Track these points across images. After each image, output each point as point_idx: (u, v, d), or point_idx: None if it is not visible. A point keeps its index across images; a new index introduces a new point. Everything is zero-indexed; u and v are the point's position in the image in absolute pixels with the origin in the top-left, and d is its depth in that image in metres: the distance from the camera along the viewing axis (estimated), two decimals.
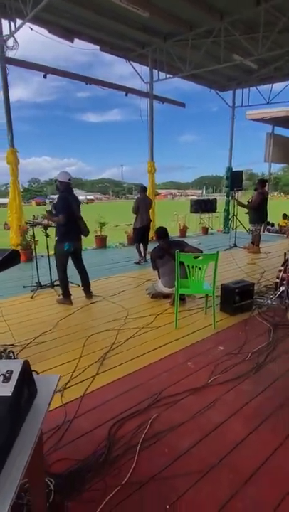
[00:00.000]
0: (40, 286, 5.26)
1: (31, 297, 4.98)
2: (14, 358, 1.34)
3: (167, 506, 1.67)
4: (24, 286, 5.41)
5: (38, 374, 1.34)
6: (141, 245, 7.33)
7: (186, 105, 11.34)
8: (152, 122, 9.89)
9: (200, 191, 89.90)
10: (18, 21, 6.65)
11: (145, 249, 7.33)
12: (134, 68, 9.58)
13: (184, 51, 8.45)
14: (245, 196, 10.94)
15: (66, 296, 4.68)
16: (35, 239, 5.96)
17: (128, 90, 9.51)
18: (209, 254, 3.80)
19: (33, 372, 1.25)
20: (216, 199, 13.14)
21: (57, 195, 4.64)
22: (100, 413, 2.38)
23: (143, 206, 7.16)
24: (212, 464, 1.92)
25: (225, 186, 12.46)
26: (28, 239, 7.16)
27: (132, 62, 9.48)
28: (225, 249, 8.31)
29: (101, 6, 6.86)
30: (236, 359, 3.10)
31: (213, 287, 3.80)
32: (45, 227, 5.19)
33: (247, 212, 8.20)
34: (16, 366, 1.11)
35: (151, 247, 6.95)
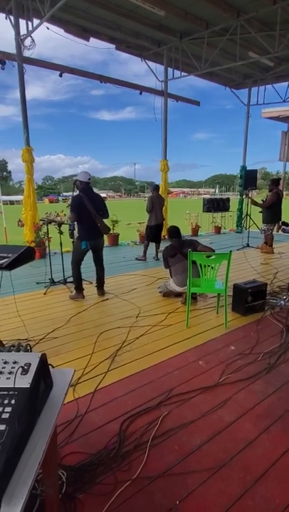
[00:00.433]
0: (53, 282, 5.34)
1: (44, 293, 5.06)
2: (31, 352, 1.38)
3: (177, 502, 1.69)
4: (37, 283, 5.50)
5: (53, 368, 1.37)
6: (152, 244, 7.35)
7: (200, 103, 11.28)
8: (166, 121, 9.89)
9: (213, 190, 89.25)
10: (35, 21, 6.75)
11: (158, 247, 7.35)
12: (149, 67, 9.58)
13: (200, 49, 8.41)
14: (260, 195, 10.82)
15: (79, 290, 4.75)
16: (49, 236, 6.05)
17: (143, 89, 9.52)
18: (222, 254, 3.78)
19: (49, 366, 1.28)
20: (229, 198, 13.05)
21: (71, 193, 4.72)
22: (111, 409, 2.41)
23: (157, 204, 7.18)
24: (223, 462, 1.93)
25: (238, 185, 12.35)
26: (42, 236, 7.27)
27: (147, 61, 9.49)
28: (238, 249, 8.25)
29: (117, 5, 6.90)
30: (248, 359, 3.09)
31: (226, 287, 3.78)
32: (59, 224, 5.26)
33: (261, 211, 8.12)
34: (33, 359, 1.14)
35: (163, 245, 6.98)
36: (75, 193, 4.58)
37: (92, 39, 8.15)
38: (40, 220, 6.16)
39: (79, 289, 4.77)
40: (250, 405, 2.43)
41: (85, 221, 4.47)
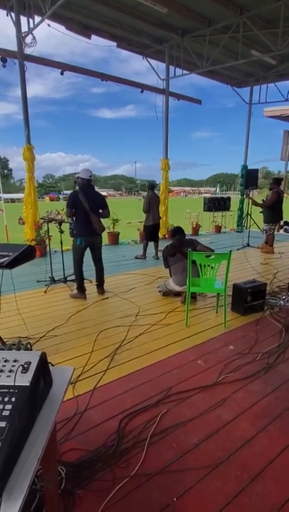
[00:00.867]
0: (53, 281, 5.36)
1: (45, 292, 5.08)
2: (31, 350, 1.40)
3: (175, 499, 1.71)
4: (38, 281, 5.53)
5: (53, 366, 1.39)
6: (151, 243, 7.35)
7: (201, 101, 11.26)
8: (167, 119, 9.88)
9: (213, 189, 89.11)
10: (37, 18, 6.73)
11: (157, 246, 7.36)
12: (150, 64, 9.57)
13: (202, 47, 8.38)
14: (260, 195, 10.82)
15: (81, 290, 4.77)
16: (50, 234, 6.07)
17: (144, 87, 9.50)
18: (222, 254, 3.80)
19: (49, 364, 1.30)
20: (229, 197, 13.02)
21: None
22: (110, 406, 2.44)
23: (154, 204, 7.17)
24: (220, 460, 1.95)
25: (239, 184, 12.34)
26: (43, 234, 7.28)
27: (148, 59, 9.47)
28: (238, 249, 8.26)
29: (119, 2, 6.88)
30: (246, 359, 3.11)
31: (225, 286, 3.80)
32: (60, 223, 5.27)
33: (261, 211, 8.12)
34: (33, 357, 1.16)
35: (162, 244, 6.99)
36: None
37: (93, 36, 8.14)
38: (41, 218, 6.17)
39: (81, 288, 4.78)
40: (248, 404, 2.45)
41: (79, 217, 4.52)
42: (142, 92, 9.56)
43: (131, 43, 8.76)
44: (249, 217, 9.16)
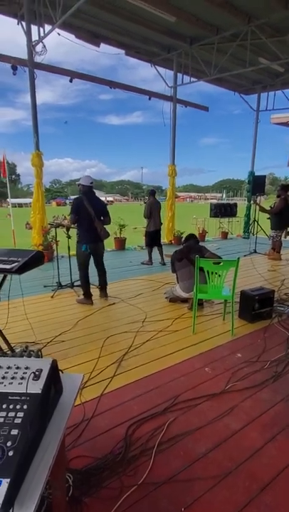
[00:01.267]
0: (60, 286, 5.38)
1: (51, 297, 5.11)
2: (42, 357, 1.41)
3: (183, 509, 1.69)
4: (45, 286, 5.55)
5: (62, 372, 1.40)
6: (156, 248, 7.38)
7: (208, 108, 11.31)
8: (175, 126, 9.94)
9: (220, 195, 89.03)
10: (47, 27, 6.86)
11: (161, 252, 7.37)
12: (158, 72, 9.66)
13: (210, 55, 8.44)
14: (267, 201, 10.78)
15: (87, 296, 4.78)
16: (57, 239, 6.10)
17: (152, 94, 9.59)
18: (229, 261, 3.78)
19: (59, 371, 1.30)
20: (236, 203, 13.01)
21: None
22: (117, 413, 2.43)
23: (155, 210, 7.21)
24: (229, 470, 1.93)
25: (246, 191, 12.32)
26: (50, 239, 7.33)
27: (156, 66, 9.56)
28: (244, 255, 8.23)
29: (128, 11, 6.97)
30: (254, 367, 3.08)
31: (233, 293, 3.78)
32: (67, 228, 5.31)
33: (269, 218, 8.09)
34: (45, 365, 1.16)
35: (167, 249, 7.00)
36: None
37: (102, 44, 8.25)
38: (49, 223, 6.22)
39: (88, 294, 4.79)
40: (256, 413, 2.43)
41: (83, 223, 4.52)
42: (149, 99, 9.65)
43: (139, 51, 8.87)
44: (256, 223, 9.13)
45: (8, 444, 0.90)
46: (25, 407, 1.01)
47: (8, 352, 2.94)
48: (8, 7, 6.73)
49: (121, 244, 9.33)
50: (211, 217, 12.38)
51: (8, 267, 2.58)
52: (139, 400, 2.58)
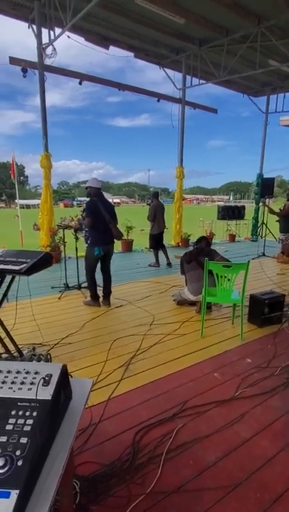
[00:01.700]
0: (67, 287, 5.37)
1: (59, 298, 5.09)
2: (51, 361, 1.38)
3: None
4: (52, 287, 5.55)
5: (71, 377, 1.36)
6: (161, 251, 7.35)
7: (217, 110, 11.25)
8: (183, 128, 9.90)
9: (227, 197, 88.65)
10: (57, 30, 6.89)
11: (166, 252, 7.33)
12: (167, 74, 9.65)
13: (219, 57, 8.41)
14: (276, 204, 10.67)
15: (95, 298, 4.75)
16: (65, 241, 6.10)
17: (161, 96, 9.58)
18: (239, 264, 3.73)
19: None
20: (244, 206, 12.89)
21: (86, 199, 4.75)
22: (124, 418, 2.39)
23: (159, 213, 7.18)
24: (239, 480, 1.87)
25: (254, 193, 12.22)
26: (57, 241, 7.34)
27: (165, 68, 9.55)
28: (253, 258, 8.13)
29: (137, 14, 6.98)
30: (265, 373, 3.02)
31: (242, 297, 3.72)
32: (76, 230, 5.30)
33: (278, 220, 7.99)
34: (55, 370, 1.13)
35: (173, 252, 6.95)
36: (87, 199, 4.62)
37: (111, 47, 8.27)
38: (57, 225, 6.22)
39: (95, 296, 4.76)
40: (267, 421, 2.37)
41: (99, 226, 4.47)
42: (158, 101, 9.64)
43: (148, 54, 8.87)
44: (264, 226, 9.04)
45: (17, 453, 0.87)
46: (34, 414, 0.98)
47: (16, 354, 2.92)
48: (20, 11, 6.79)
49: (128, 246, 9.32)
50: (218, 219, 12.27)
51: (16, 268, 2.57)
52: (146, 405, 2.54)
